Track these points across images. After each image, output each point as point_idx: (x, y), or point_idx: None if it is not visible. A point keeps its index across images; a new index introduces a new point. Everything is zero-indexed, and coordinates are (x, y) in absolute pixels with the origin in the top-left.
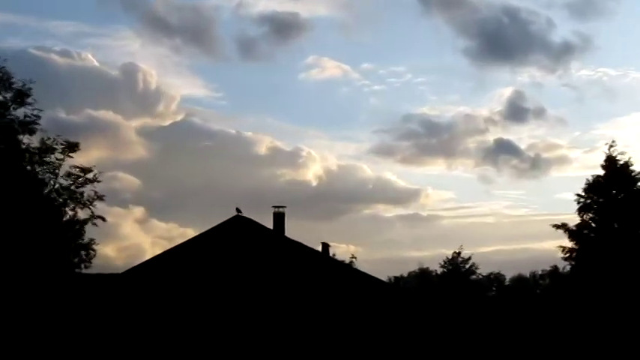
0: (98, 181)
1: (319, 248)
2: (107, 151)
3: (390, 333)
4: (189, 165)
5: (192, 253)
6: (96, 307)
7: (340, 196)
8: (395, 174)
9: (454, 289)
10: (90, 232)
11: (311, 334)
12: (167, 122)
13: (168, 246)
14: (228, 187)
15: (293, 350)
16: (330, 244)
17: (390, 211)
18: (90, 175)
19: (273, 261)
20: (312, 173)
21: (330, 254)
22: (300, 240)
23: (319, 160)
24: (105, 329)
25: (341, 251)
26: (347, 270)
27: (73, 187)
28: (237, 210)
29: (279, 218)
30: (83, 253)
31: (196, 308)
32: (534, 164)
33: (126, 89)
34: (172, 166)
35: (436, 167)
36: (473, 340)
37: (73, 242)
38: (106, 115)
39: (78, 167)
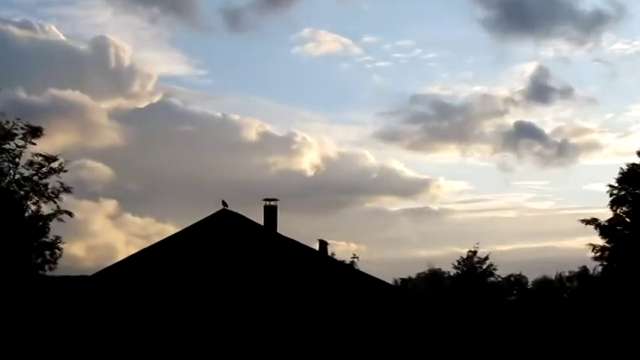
0: (64, 171)
1: (316, 247)
2: (74, 136)
3: (396, 343)
4: (168, 152)
5: (172, 253)
6: (62, 314)
7: (340, 187)
8: (402, 162)
9: (469, 293)
10: (55, 228)
11: (307, 343)
12: (143, 104)
13: (144, 244)
14: (213, 178)
15: (290, 353)
16: (329, 241)
17: (396, 205)
18: (55, 165)
19: (264, 261)
20: (307, 161)
21: (329, 253)
22: (294, 237)
23: (316, 146)
24: (72, 339)
25: (341, 250)
26: (347, 271)
27: (35, 178)
28: (223, 203)
29: (270, 213)
30: (47, 252)
31: (177, 316)
32: (560, 151)
33: (95, 66)
34: (149, 153)
35: (448, 154)
36: (491, 351)
37: (36, 240)
38: (72, 95)
39: (41, 155)
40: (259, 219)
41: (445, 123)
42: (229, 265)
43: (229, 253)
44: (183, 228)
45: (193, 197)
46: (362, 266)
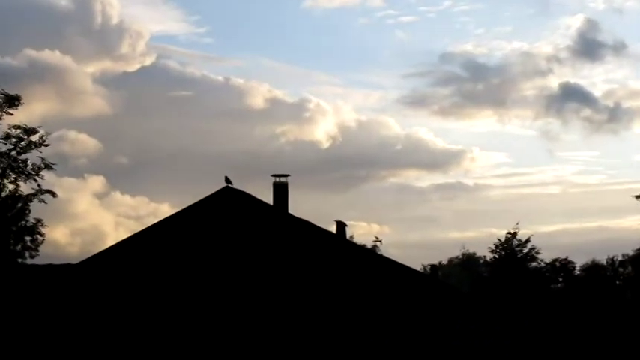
0: (46, 145)
1: (333, 229)
2: (55, 104)
3: (424, 337)
4: (163, 122)
5: (168, 237)
6: (44, 306)
7: (359, 160)
8: (430, 131)
9: (508, 281)
10: (36, 211)
11: (323, 337)
12: (133, 67)
13: (137, 227)
14: (215, 151)
15: (299, 353)
16: (347, 223)
17: (424, 180)
18: (35, 138)
19: (273, 246)
20: (322, 131)
21: (347, 236)
22: (308, 218)
23: (331, 113)
24: (55, 334)
25: (361, 232)
26: (369, 257)
27: (13, 154)
28: (227, 180)
29: (280, 190)
30: (28, 238)
31: (175, 311)
32: (612, 116)
33: (78, 24)
34: (141, 123)
35: (484, 121)
36: (533, 347)
37: (15, 224)
38: (52, 57)
39: (19, 127)
40: (268, 198)
41: (480, 85)
42: (234, 252)
43: (234, 237)
44: (182, 209)
45: (192, 173)
46: (385, 251)
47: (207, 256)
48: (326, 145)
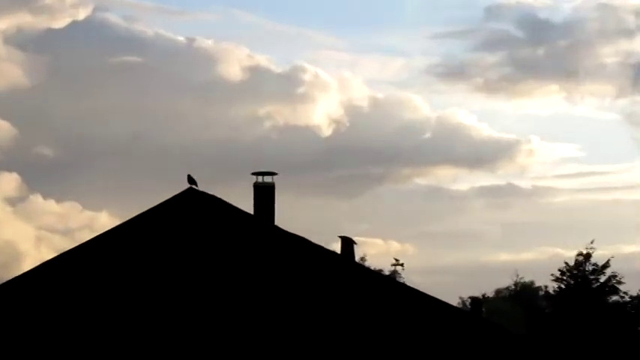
0: None
1: (336, 247)
2: None
3: None
4: (101, 100)
5: (108, 258)
6: None
7: (373, 154)
8: (472, 113)
9: (580, 319)
10: None
11: None
12: (61, 22)
13: (65, 244)
14: (173, 140)
15: None
16: (356, 239)
17: (462, 181)
18: None
19: (253, 270)
20: (322, 113)
21: (357, 258)
22: (301, 233)
23: (335, 88)
24: None
25: (376, 252)
26: (386, 286)
27: None
28: (190, 180)
29: (263, 194)
30: None
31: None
32: None
33: None
34: (71, 100)
35: (546, 100)
36: None
37: None
38: None
39: None
40: (247, 204)
41: (540, 50)
42: (199, 278)
43: (199, 259)
44: (127, 219)
45: (142, 169)
46: (408, 278)
47: (161, 283)
48: (327, 132)
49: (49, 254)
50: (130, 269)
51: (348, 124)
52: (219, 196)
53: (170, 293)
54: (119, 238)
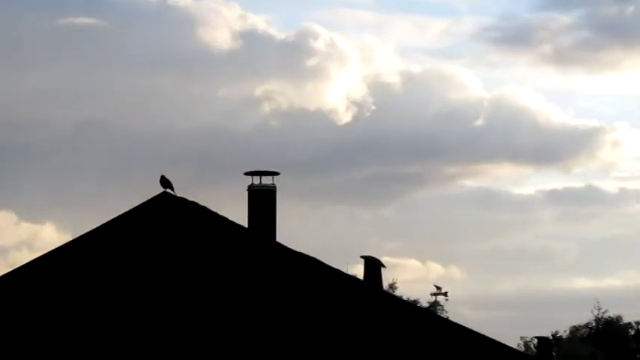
0: None
1: (357, 271)
2: None
3: None
4: (44, 75)
5: (56, 280)
6: None
7: (407, 147)
8: (538, 92)
9: None
10: None
11: None
12: None
13: None
14: (144, 129)
15: None
16: (384, 260)
17: (526, 182)
18: None
19: (249, 296)
20: (338, 93)
21: (385, 284)
22: (311, 251)
23: (357, 60)
24: None
25: (410, 277)
26: (424, 322)
27: None
28: (164, 182)
29: (261, 200)
30: None
31: None
32: None
33: None
34: (3, 76)
35: (637, 75)
36: None
37: None
38: None
39: None
40: (240, 213)
41: (630, 8)
42: (175, 308)
43: (177, 286)
44: (82, 233)
45: (99, 168)
46: (454, 311)
47: (127, 311)
48: (345, 118)
49: None
50: (84, 299)
51: (373, 108)
52: (202, 203)
53: (138, 320)
54: (67, 257)
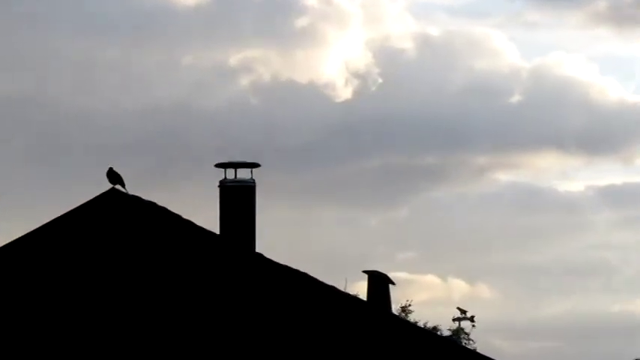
0: None
1: (359, 289)
2: None
3: None
4: None
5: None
6: None
7: (424, 130)
8: (591, 61)
9: None
10: None
11: None
12: None
13: None
14: (85, 106)
15: None
16: (393, 276)
17: (575, 175)
18: None
19: (226, 324)
20: (336, 62)
21: (394, 307)
22: (300, 265)
23: (359, 20)
24: None
25: (428, 298)
26: (445, 353)
27: None
28: (112, 175)
29: (237, 199)
30: None
31: None
32: None
33: None
34: None
35: None
36: None
37: None
38: None
39: None
40: (210, 214)
41: None
42: (129, 325)
43: (125, 304)
44: (13, 238)
45: (29, 157)
46: (484, 340)
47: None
48: (345, 94)
49: None
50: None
51: (380, 81)
52: (161, 203)
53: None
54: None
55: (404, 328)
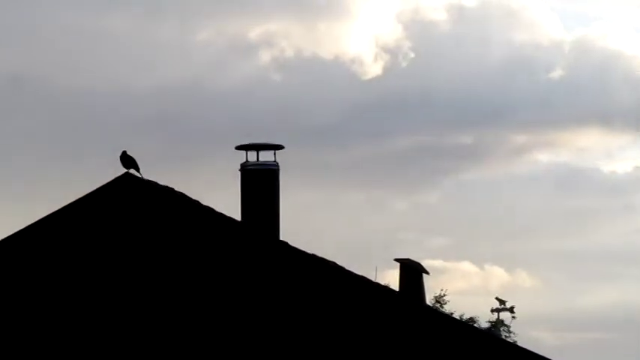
0: None
1: (392, 278)
2: None
3: None
4: None
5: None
6: None
7: (457, 108)
8: (639, 33)
9: None
10: None
11: None
12: None
13: None
14: (87, 85)
15: None
16: (426, 264)
17: (623, 155)
18: None
19: (249, 316)
20: (363, 36)
21: (428, 298)
22: (327, 254)
23: None
24: None
25: (463, 287)
26: (483, 346)
27: None
28: (126, 159)
29: (259, 183)
30: None
31: None
32: None
33: None
34: None
35: None
36: None
37: None
38: None
39: None
40: (230, 200)
41: None
42: (146, 321)
43: (141, 295)
44: (14, 232)
45: (29, 140)
46: (525, 333)
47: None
48: (373, 71)
49: None
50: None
51: (411, 56)
52: (178, 188)
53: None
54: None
55: (439, 320)
